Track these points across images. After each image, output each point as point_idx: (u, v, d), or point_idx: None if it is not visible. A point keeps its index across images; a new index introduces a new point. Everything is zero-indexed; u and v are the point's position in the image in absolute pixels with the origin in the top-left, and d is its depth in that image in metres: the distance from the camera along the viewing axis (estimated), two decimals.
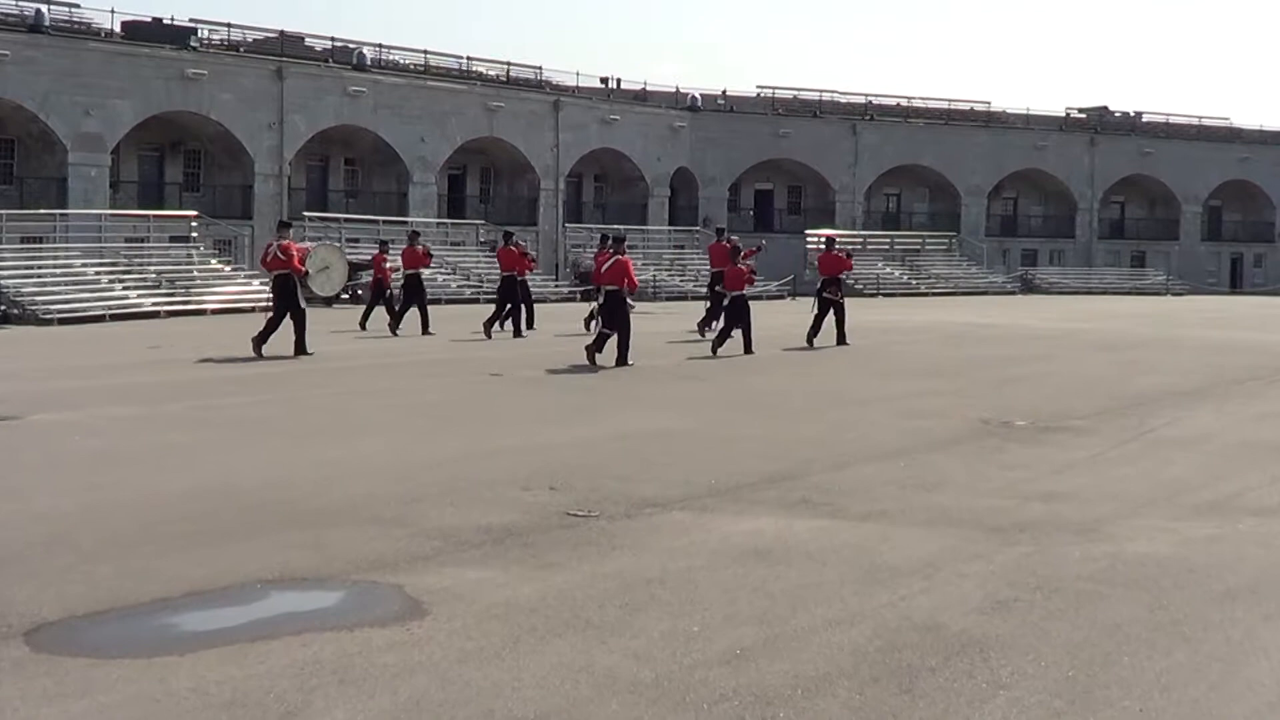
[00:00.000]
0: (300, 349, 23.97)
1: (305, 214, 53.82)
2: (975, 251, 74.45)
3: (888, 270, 68.19)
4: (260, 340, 23.75)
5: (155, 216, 48.30)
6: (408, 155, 59.20)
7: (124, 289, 41.09)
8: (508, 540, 9.11)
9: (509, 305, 31.18)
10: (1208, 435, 15.05)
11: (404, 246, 34.74)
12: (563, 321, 33.30)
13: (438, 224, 58.28)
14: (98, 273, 41.69)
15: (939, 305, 50.03)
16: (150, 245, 46.17)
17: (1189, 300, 62.99)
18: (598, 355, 22.42)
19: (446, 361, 23.62)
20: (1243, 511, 10.54)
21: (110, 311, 38.01)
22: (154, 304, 40.06)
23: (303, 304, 24.46)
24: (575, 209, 67.12)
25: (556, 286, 56.52)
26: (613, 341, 22.56)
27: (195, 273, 45.10)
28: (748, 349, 25.11)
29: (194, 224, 48.16)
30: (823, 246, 30.82)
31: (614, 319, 22.72)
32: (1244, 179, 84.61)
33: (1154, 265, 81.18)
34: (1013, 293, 68.35)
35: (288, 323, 24.10)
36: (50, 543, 8.90)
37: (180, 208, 51.21)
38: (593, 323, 22.97)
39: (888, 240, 72.52)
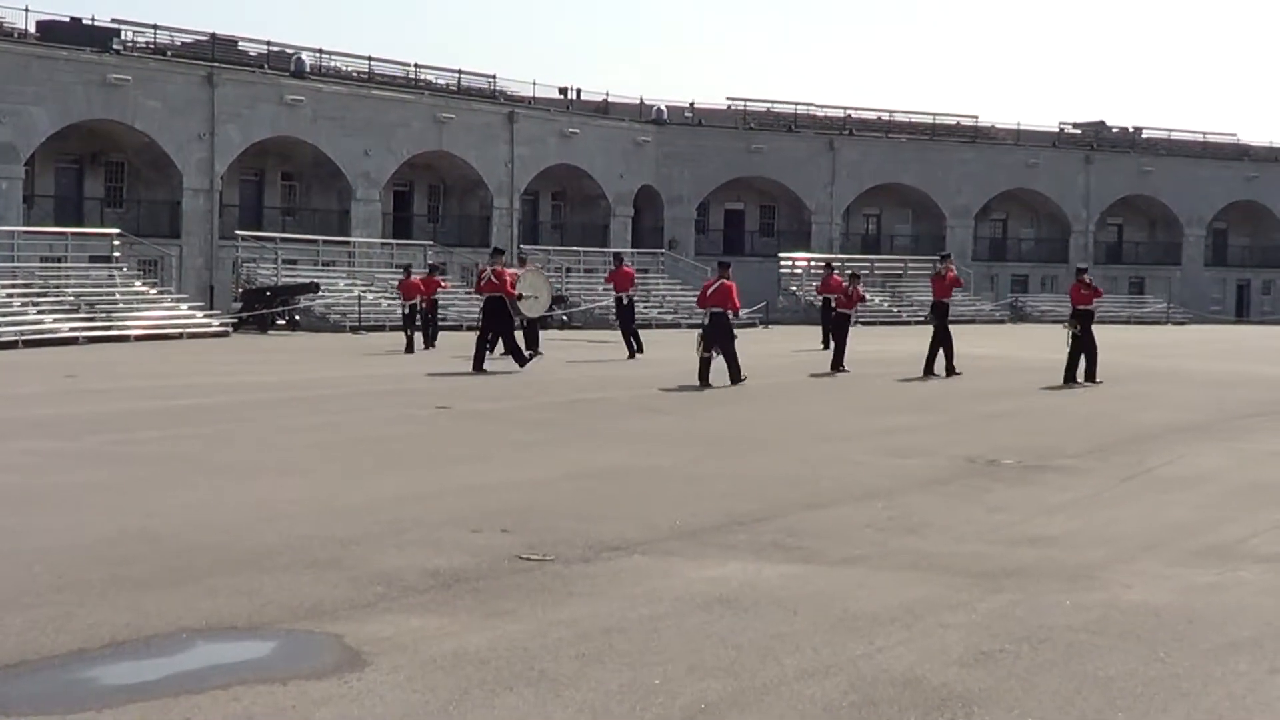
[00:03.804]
0: (520, 358, 28.40)
1: (238, 233, 53.76)
2: (962, 277, 74.62)
3: (867, 296, 68.30)
4: (479, 360, 27.85)
5: (74, 234, 47.96)
6: (350, 170, 59.21)
7: (39, 313, 40.87)
8: (455, 586, 9.12)
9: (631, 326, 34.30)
10: (1211, 475, 15.13)
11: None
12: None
13: (382, 244, 58.23)
14: (10, 295, 41.43)
15: (923, 334, 50.15)
16: (68, 265, 45.96)
17: (1192, 330, 63.44)
18: (709, 377, 25.13)
19: (388, 393, 23.60)
20: (1248, 558, 10.61)
21: (23, 337, 37.80)
22: (72, 329, 39.89)
23: (515, 321, 29.26)
24: (531, 229, 67.23)
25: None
26: (720, 364, 25.33)
27: (118, 295, 44.93)
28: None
29: (116, 243, 47.89)
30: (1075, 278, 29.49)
31: (720, 341, 25.53)
32: (1252, 199, 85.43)
33: (1154, 292, 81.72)
34: (1002, 321, 68.67)
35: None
36: None
37: (101, 225, 51.08)
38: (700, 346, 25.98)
39: (867, 264, 72.63)
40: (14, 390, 24.02)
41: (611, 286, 35.76)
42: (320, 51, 61.92)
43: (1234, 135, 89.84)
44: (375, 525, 11.10)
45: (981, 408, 22.46)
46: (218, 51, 58.16)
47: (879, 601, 8.88)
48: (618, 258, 37.32)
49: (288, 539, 10.53)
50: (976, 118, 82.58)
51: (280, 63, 59.35)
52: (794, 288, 65.55)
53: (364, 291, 51.08)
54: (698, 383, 25.01)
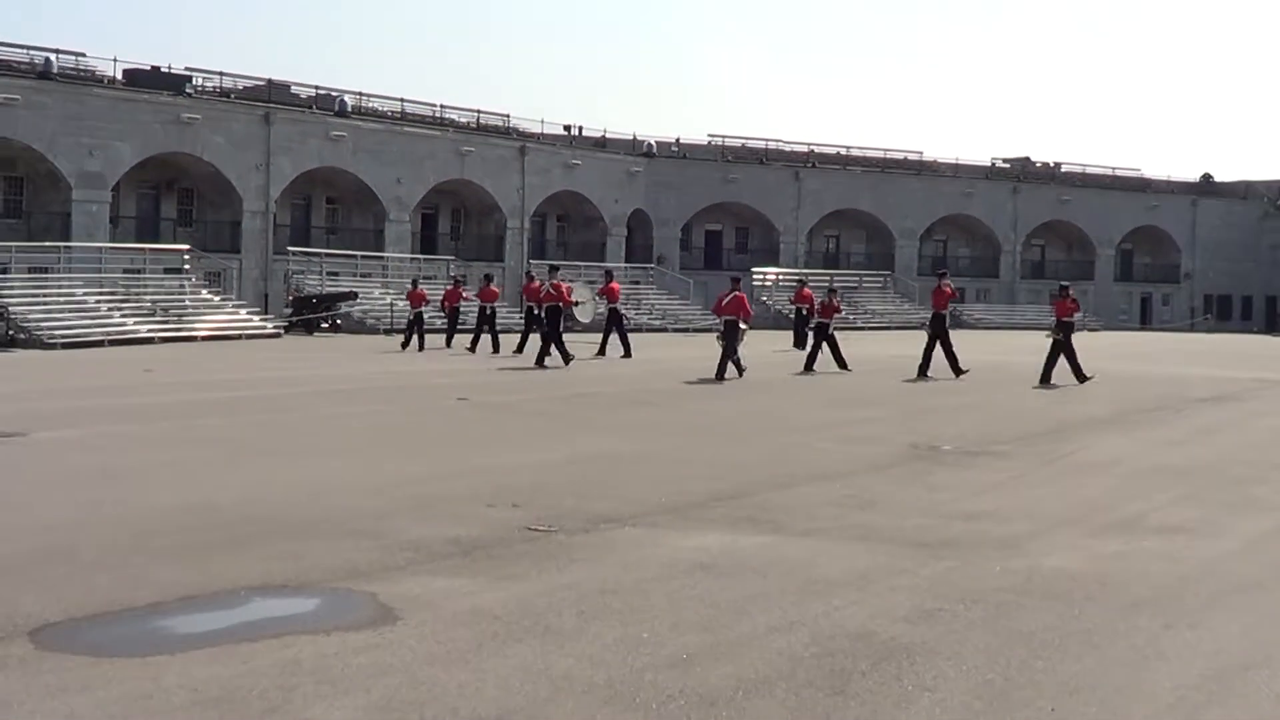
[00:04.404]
0: (540, 362, 28.57)
1: (289, 249, 53.77)
2: (908, 289, 74.79)
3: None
4: (565, 356, 28.79)
5: (151, 250, 48.25)
6: (385, 195, 59.16)
7: (122, 316, 40.94)
8: (474, 552, 9.11)
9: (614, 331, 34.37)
10: (1119, 460, 15.13)
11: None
12: (528, 351, 33.30)
13: (411, 259, 58.27)
14: (98, 301, 41.56)
15: (876, 340, 50.18)
16: (146, 276, 46.09)
17: (1103, 336, 63.29)
18: (744, 371, 26.02)
19: (415, 388, 23.58)
20: (1148, 530, 10.62)
21: (109, 337, 37.89)
22: (149, 330, 39.96)
23: (560, 328, 29.54)
24: (539, 246, 67.11)
25: (520, 318, 56.39)
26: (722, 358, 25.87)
27: (187, 302, 45.01)
28: (841, 365, 29.49)
29: (187, 257, 48.14)
30: (1058, 294, 28.63)
31: (729, 342, 26.04)
32: (1153, 225, 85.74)
33: None
34: None
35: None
36: (52, 551, 8.86)
37: (174, 242, 51.16)
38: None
39: (827, 278, 72.60)
40: (101, 382, 24.01)
41: (604, 299, 35.73)
42: (360, 94, 61.78)
43: (1139, 170, 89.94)
44: (404, 500, 11.10)
45: (928, 402, 22.44)
46: (273, 94, 58.07)
47: (836, 567, 8.87)
48: (608, 274, 37.25)
49: (329, 512, 10.53)
50: (921, 153, 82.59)
51: (326, 104, 59.24)
52: (764, 298, 65.51)
53: (395, 299, 50.99)
54: (738, 374, 25.76)
